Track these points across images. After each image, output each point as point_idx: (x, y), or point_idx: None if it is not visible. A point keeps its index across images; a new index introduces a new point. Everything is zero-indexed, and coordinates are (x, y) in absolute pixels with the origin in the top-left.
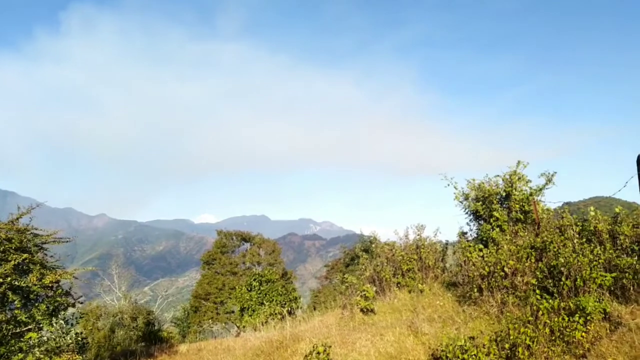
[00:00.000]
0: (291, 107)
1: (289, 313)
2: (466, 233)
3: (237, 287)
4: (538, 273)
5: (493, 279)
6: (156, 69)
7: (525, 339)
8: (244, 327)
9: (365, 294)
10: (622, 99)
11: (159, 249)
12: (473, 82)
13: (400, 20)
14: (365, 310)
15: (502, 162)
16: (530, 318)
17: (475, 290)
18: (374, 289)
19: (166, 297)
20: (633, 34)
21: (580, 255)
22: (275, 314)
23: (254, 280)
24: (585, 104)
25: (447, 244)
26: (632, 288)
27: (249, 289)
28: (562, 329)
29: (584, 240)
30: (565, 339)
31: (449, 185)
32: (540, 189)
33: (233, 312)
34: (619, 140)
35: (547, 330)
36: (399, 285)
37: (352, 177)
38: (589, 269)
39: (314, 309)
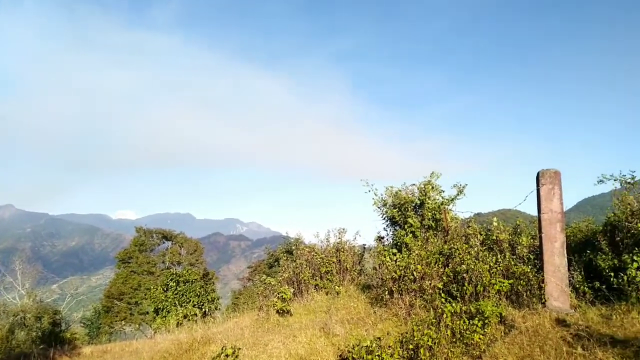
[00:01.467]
0: (223, 104)
1: (205, 314)
2: (383, 238)
3: (152, 287)
4: (444, 278)
5: (403, 283)
6: (81, 54)
7: (428, 341)
8: (157, 328)
9: (282, 296)
10: (530, 120)
11: (72, 244)
12: (401, 96)
13: (339, 29)
14: (281, 311)
15: (421, 172)
16: (434, 320)
17: (387, 292)
18: (292, 290)
19: (76, 296)
20: (540, 64)
21: (482, 263)
22: (191, 315)
23: (171, 280)
24: (498, 123)
25: (364, 247)
26: (525, 294)
27: (165, 289)
28: (462, 331)
29: (486, 248)
30: (465, 341)
31: (369, 191)
32: (452, 199)
33: (147, 313)
34: (526, 157)
35: (449, 332)
36: (317, 287)
37: (282, 178)
38: (489, 275)
39: (233, 310)
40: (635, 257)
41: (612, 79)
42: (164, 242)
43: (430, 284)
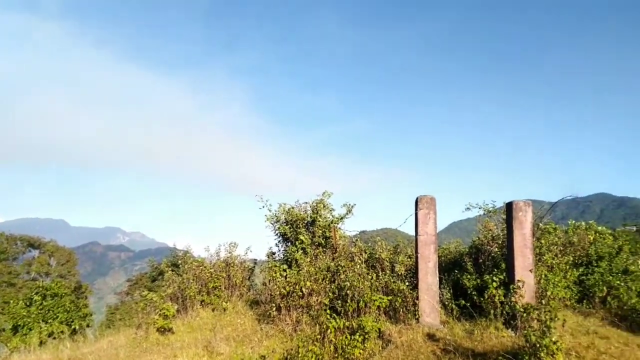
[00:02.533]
0: (111, 103)
1: (75, 332)
2: (275, 253)
3: (12, 300)
4: (330, 294)
5: (291, 298)
6: None
7: (312, 357)
8: (14, 348)
9: (165, 312)
10: (413, 146)
11: None
12: (297, 114)
13: (240, 42)
14: (162, 329)
15: (314, 189)
16: (319, 336)
17: (275, 309)
18: (176, 307)
19: None
20: (425, 93)
21: (364, 280)
22: (58, 333)
23: (36, 293)
24: (385, 146)
25: (256, 262)
26: (402, 310)
27: (28, 303)
28: (344, 346)
29: (370, 266)
30: (346, 356)
31: (264, 207)
32: (342, 218)
33: (4, 330)
34: (408, 181)
35: (332, 347)
36: (203, 303)
37: (172, 186)
38: (370, 292)
39: (108, 327)
40: (494, 278)
41: (482, 116)
42: (30, 251)
43: (317, 300)
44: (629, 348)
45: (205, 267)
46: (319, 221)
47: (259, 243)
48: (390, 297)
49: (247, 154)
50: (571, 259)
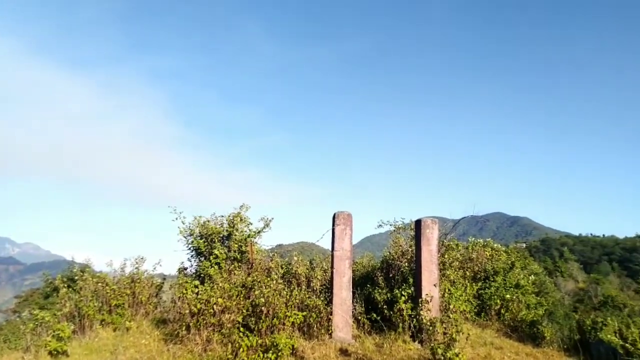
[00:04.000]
0: (7, 99)
1: None
2: (186, 269)
3: None
4: (244, 311)
5: (202, 317)
6: None
7: None
8: None
9: (59, 334)
10: (331, 161)
11: None
12: (218, 125)
13: (157, 44)
14: (55, 352)
15: (231, 202)
16: (230, 356)
17: (184, 327)
18: (72, 327)
19: None
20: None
21: (280, 296)
22: None
23: None
24: (306, 162)
25: (165, 278)
26: (316, 326)
27: None
28: None
29: (286, 281)
30: None
31: (177, 219)
32: (259, 232)
33: None
34: (327, 195)
35: None
36: (103, 322)
37: (72, 194)
38: (284, 308)
39: None
40: (403, 292)
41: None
42: None
43: (230, 317)
44: (519, 357)
45: (107, 283)
46: (236, 235)
47: (170, 257)
48: (305, 313)
49: (161, 162)
50: (470, 274)
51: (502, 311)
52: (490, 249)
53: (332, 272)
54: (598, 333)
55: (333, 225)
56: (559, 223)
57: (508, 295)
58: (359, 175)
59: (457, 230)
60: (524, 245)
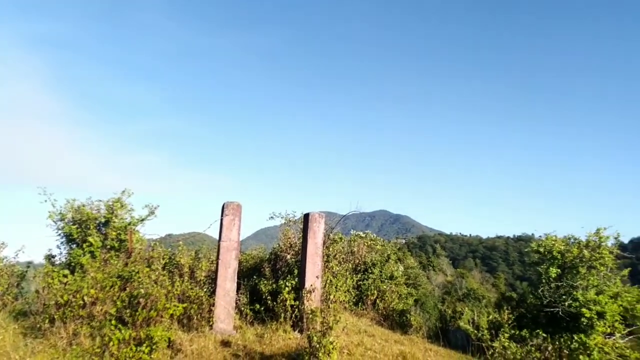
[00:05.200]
0: None
1: None
2: (55, 256)
3: None
4: (119, 303)
5: (70, 308)
6: None
7: None
8: None
9: None
10: (235, 151)
11: None
12: (109, 102)
13: (43, 6)
14: None
15: (114, 187)
16: (99, 350)
17: (47, 320)
18: None
19: None
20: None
21: (160, 287)
22: None
23: None
24: (202, 149)
25: (29, 266)
26: (196, 317)
27: None
28: (129, 358)
29: (168, 272)
30: None
31: (46, 201)
32: (142, 220)
33: None
34: (223, 185)
35: None
36: None
37: None
38: (164, 299)
39: None
40: (287, 283)
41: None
42: None
43: (101, 309)
44: (387, 343)
45: None
46: (115, 222)
47: (37, 244)
48: (185, 305)
49: (34, 137)
50: (351, 266)
51: (377, 301)
52: (368, 240)
53: (217, 263)
54: (457, 321)
55: (222, 215)
56: (435, 222)
57: (384, 286)
58: (257, 167)
59: (345, 225)
60: (404, 241)
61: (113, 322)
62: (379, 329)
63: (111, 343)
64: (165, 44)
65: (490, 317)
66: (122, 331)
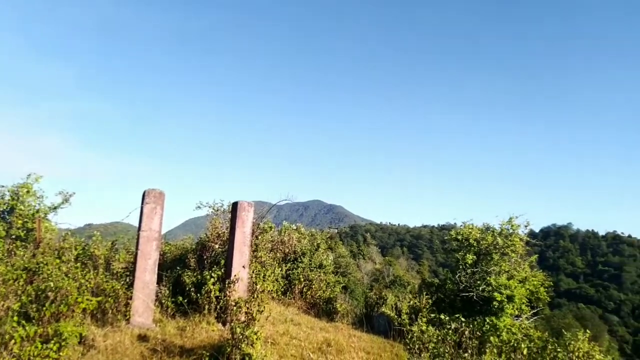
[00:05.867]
0: None
1: None
2: None
3: None
4: (24, 297)
5: None
6: None
7: None
8: None
9: None
10: (159, 138)
11: None
12: (15, 79)
13: None
14: None
15: (25, 172)
16: None
17: None
18: None
19: None
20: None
21: (72, 280)
22: None
23: None
24: (126, 134)
25: None
26: (111, 311)
27: None
28: (33, 357)
29: (81, 263)
30: None
31: None
32: (54, 208)
33: None
34: (148, 173)
35: None
36: None
37: None
38: (76, 293)
39: None
40: (212, 274)
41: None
42: None
43: (3, 305)
44: (313, 331)
45: None
46: (21, 210)
47: None
48: (100, 298)
49: None
50: (281, 255)
51: (305, 290)
52: (298, 232)
53: (136, 254)
54: (381, 307)
55: (142, 203)
56: (366, 212)
57: (312, 275)
58: (185, 156)
59: (277, 214)
60: (336, 230)
61: (15, 318)
62: (305, 317)
63: (13, 341)
64: (90, 16)
65: (411, 302)
66: (27, 328)
